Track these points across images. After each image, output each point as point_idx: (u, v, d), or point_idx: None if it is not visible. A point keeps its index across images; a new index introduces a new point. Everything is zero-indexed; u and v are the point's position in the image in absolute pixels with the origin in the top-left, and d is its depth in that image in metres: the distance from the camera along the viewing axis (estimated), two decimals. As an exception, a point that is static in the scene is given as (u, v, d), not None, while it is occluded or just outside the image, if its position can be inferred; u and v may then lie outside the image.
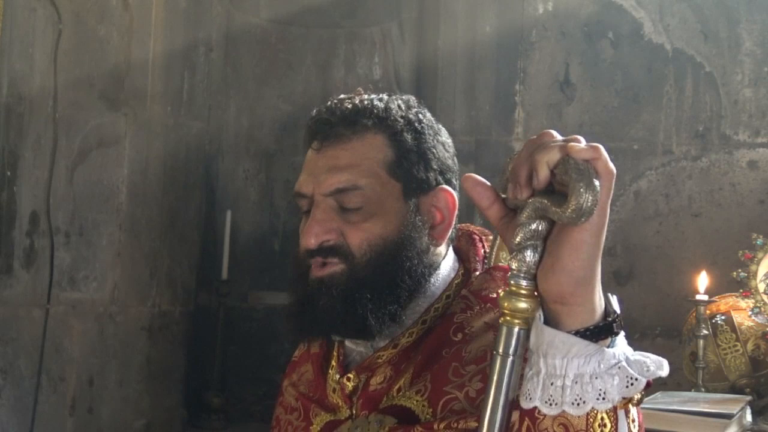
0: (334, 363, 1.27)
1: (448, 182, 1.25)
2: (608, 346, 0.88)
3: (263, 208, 4.34)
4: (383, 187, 1.19)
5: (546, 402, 0.87)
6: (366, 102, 1.24)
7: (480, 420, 0.89)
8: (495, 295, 1.20)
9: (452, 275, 1.25)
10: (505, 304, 0.88)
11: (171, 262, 3.70)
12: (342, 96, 1.27)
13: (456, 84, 3.78)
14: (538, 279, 0.87)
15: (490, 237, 1.33)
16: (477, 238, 1.31)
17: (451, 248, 1.28)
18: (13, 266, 3.29)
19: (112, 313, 3.52)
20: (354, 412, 1.21)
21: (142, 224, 3.59)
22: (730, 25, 3.56)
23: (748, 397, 2.63)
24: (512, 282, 0.87)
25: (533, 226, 0.85)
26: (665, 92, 3.62)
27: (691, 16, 3.60)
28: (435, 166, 1.23)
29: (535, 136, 0.88)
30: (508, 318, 0.88)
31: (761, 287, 2.81)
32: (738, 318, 2.87)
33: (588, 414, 0.87)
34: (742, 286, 2.84)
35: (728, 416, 2.28)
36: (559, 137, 0.87)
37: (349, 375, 1.23)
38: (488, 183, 0.92)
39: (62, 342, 3.41)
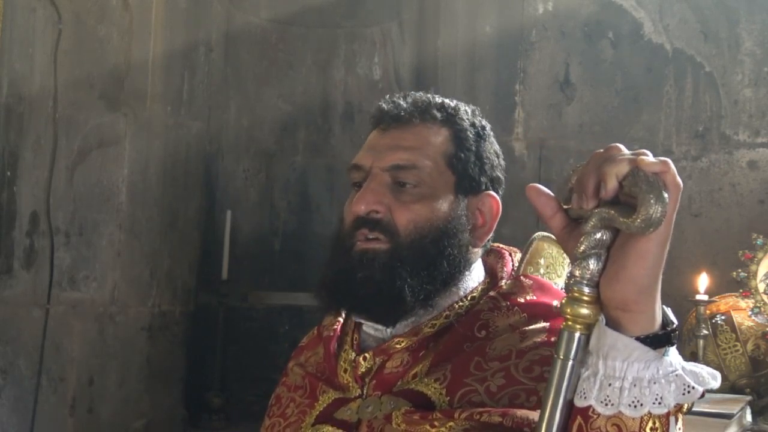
0: (347, 347, 1.28)
1: (496, 190, 1.30)
2: (664, 355, 0.90)
3: (263, 208, 4.34)
4: (439, 174, 1.23)
5: (602, 402, 0.89)
6: (437, 98, 1.30)
7: (539, 421, 0.92)
8: (523, 300, 1.23)
9: (479, 280, 1.29)
10: (568, 310, 0.91)
11: (171, 262, 3.70)
12: (413, 93, 1.33)
13: (456, 84, 3.77)
14: (602, 286, 0.89)
15: (519, 254, 1.37)
16: (506, 253, 1.34)
17: (480, 259, 1.31)
18: (13, 266, 3.29)
19: (112, 313, 3.52)
20: (365, 392, 1.22)
21: (142, 224, 3.59)
22: (730, 25, 3.56)
23: (748, 397, 2.64)
24: (575, 288, 0.90)
25: (598, 235, 0.88)
26: (665, 92, 3.62)
27: (691, 16, 3.60)
28: (488, 172, 1.28)
29: (601, 150, 0.90)
30: (569, 323, 0.91)
31: (761, 287, 2.81)
32: (738, 318, 2.87)
33: (642, 417, 0.89)
34: (742, 286, 2.84)
35: (728, 416, 2.29)
36: (626, 151, 0.89)
37: (366, 355, 1.24)
38: (551, 193, 0.95)
39: (62, 342, 3.41)
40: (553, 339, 1.13)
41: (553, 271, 1.37)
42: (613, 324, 0.90)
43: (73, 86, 3.42)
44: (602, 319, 0.90)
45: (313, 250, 4.29)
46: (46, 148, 3.37)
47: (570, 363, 0.90)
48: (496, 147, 1.33)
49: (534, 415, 1.05)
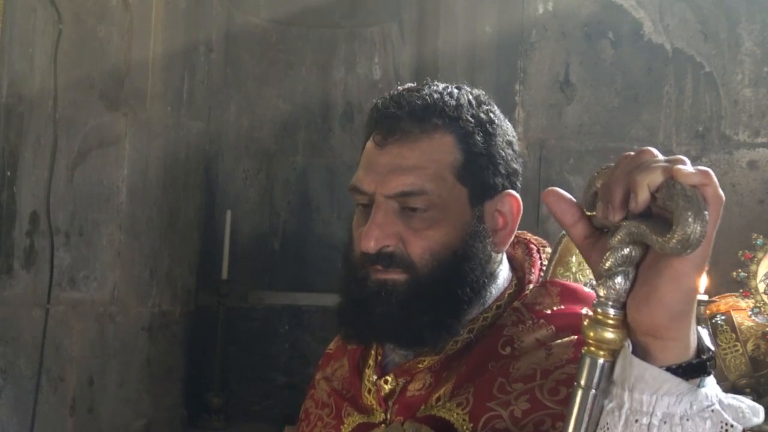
0: (371, 362, 1.23)
1: (513, 185, 1.18)
2: (698, 386, 0.81)
3: (263, 208, 4.34)
4: (450, 192, 1.12)
5: None
6: (436, 96, 1.15)
7: None
8: (549, 311, 1.14)
9: (505, 285, 1.20)
10: (591, 334, 0.81)
11: (171, 262, 3.70)
12: (409, 86, 1.19)
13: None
14: (629, 308, 0.80)
15: (548, 249, 1.27)
16: (534, 248, 1.24)
17: (505, 255, 1.21)
18: (13, 266, 3.29)
19: (112, 313, 3.52)
20: (389, 416, 1.16)
21: (142, 224, 3.59)
22: (730, 25, 3.56)
23: (748, 397, 2.63)
24: (599, 310, 0.81)
25: (626, 251, 0.79)
26: (665, 92, 3.62)
27: (691, 16, 3.60)
28: (503, 170, 1.16)
29: (632, 153, 0.81)
30: (592, 349, 0.82)
31: (761, 287, 2.81)
32: (738, 318, 2.87)
33: None
34: (742, 286, 2.84)
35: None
36: (660, 156, 0.79)
37: (387, 377, 1.18)
38: (572, 198, 0.86)
39: (62, 342, 3.41)
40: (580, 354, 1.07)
41: (587, 267, 1.20)
42: (641, 351, 0.80)
43: (73, 86, 3.42)
44: (628, 344, 0.81)
45: (313, 250, 4.30)
46: (46, 148, 3.37)
47: (592, 392, 0.81)
48: (509, 132, 1.20)
49: None
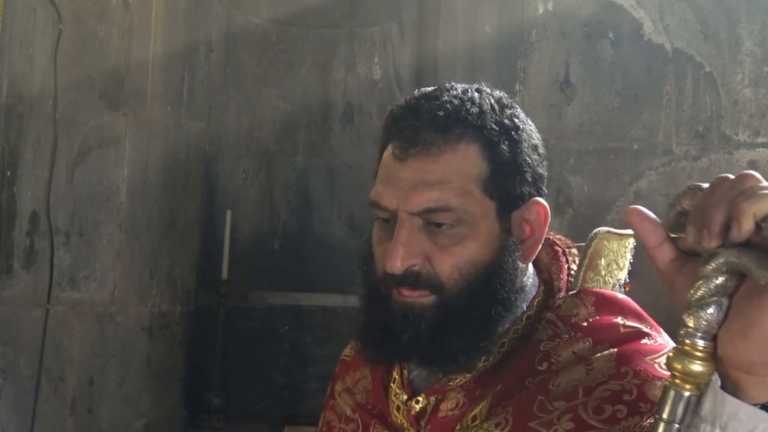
0: (396, 376, 1.18)
1: (539, 191, 1.13)
2: None
3: (263, 208, 4.34)
4: (476, 206, 1.07)
5: None
6: (457, 103, 1.08)
7: None
8: (585, 324, 1.09)
9: (533, 292, 1.15)
10: (677, 366, 0.77)
11: (171, 262, 3.70)
12: (425, 91, 1.12)
13: (456, 84, 3.77)
14: (722, 341, 0.75)
15: (574, 250, 1.21)
16: (560, 251, 1.20)
17: (531, 267, 1.17)
18: (13, 266, 3.29)
19: (112, 313, 3.52)
20: None
21: (142, 224, 3.59)
22: (730, 25, 3.56)
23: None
24: (687, 341, 0.76)
25: (720, 281, 0.74)
26: (665, 92, 3.62)
27: (691, 16, 3.60)
28: (529, 178, 1.11)
29: (730, 176, 0.76)
30: (678, 381, 0.77)
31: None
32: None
33: None
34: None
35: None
36: (765, 183, 0.74)
37: (418, 398, 1.13)
38: (657, 219, 0.80)
39: (62, 342, 3.41)
40: (623, 370, 1.02)
41: (615, 266, 1.21)
42: (731, 386, 0.76)
43: (73, 86, 3.42)
44: (717, 379, 0.76)
45: (313, 250, 4.30)
46: (46, 148, 3.37)
47: (675, 427, 0.77)
48: (533, 136, 1.13)
49: None
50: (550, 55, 3.70)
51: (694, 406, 0.77)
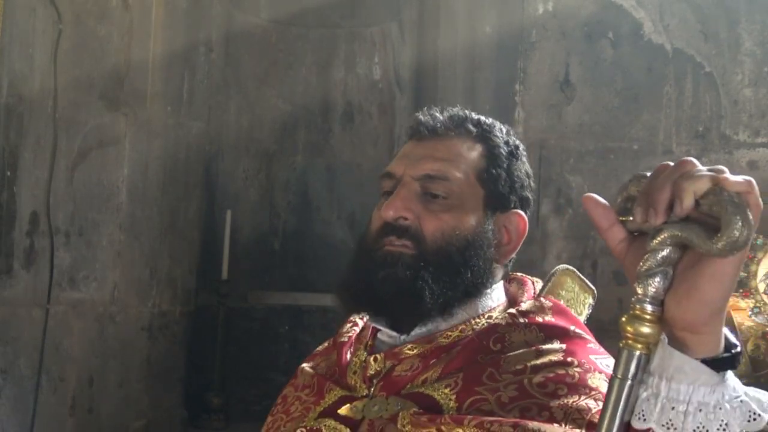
0: (361, 347, 1.29)
1: (524, 209, 1.31)
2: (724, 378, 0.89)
3: (263, 208, 4.35)
4: (469, 188, 1.25)
5: (663, 425, 0.87)
6: (474, 115, 1.33)
7: None
8: (541, 320, 1.22)
9: (499, 302, 1.29)
10: (629, 328, 0.87)
11: (171, 262, 3.70)
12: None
13: (456, 84, 3.78)
14: (669, 305, 0.86)
15: (540, 283, 1.37)
16: (528, 281, 1.35)
17: (501, 283, 1.31)
18: (13, 266, 3.29)
19: (112, 313, 3.52)
20: (372, 392, 1.21)
21: (142, 224, 3.59)
22: (730, 25, 3.56)
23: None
24: (637, 306, 0.87)
25: (665, 252, 0.85)
26: (665, 92, 3.62)
27: (691, 16, 3.60)
28: (518, 191, 1.30)
29: (670, 163, 0.87)
30: (630, 342, 0.87)
31: (761, 287, 2.81)
32: (738, 318, 2.87)
33: None
34: (742, 286, 2.84)
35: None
36: (702, 167, 0.85)
37: (377, 356, 1.24)
38: (608, 204, 0.92)
39: (62, 342, 3.41)
40: (569, 359, 1.14)
41: (573, 307, 1.35)
42: (678, 345, 0.87)
43: (73, 86, 3.42)
44: (664, 338, 0.87)
45: (313, 250, 4.30)
46: (46, 148, 3.37)
47: (628, 383, 0.87)
48: (528, 168, 1.34)
49: (546, 427, 1.05)
50: (550, 55, 3.71)
51: (644, 364, 0.87)
